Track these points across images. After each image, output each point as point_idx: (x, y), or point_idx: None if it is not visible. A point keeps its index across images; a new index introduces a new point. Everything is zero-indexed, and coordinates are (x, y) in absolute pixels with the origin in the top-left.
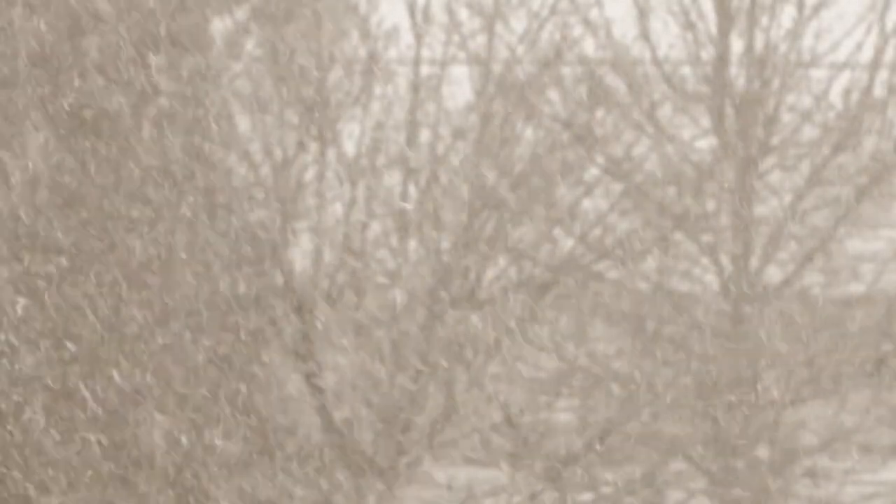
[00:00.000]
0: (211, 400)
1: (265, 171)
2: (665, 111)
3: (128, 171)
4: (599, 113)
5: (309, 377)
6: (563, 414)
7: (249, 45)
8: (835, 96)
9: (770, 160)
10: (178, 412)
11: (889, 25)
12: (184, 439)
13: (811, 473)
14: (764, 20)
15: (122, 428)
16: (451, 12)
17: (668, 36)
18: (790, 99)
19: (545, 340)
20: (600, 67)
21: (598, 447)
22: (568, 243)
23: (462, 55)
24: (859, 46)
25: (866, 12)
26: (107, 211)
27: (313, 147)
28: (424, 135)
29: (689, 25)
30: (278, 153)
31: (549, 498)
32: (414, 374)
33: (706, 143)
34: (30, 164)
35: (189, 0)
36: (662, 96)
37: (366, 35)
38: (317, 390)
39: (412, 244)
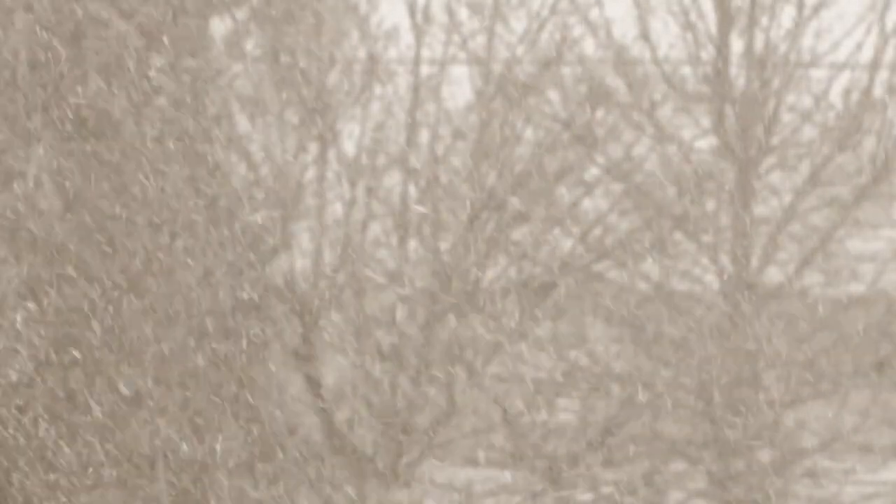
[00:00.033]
0: (212, 403)
1: (265, 171)
2: (665, 111)
3: (129, 175)
4: (599, 113)
5: (309, 379)
6: (564, 414)
7: (249, 45)
8: (835, 96)
9: (770, 160)
10: (179, 414)
11: (889, 25)
12: (184, 446)
13: (811, 473)
14: (764, 20)
15: (125, 431)
16: (451, 12)
17: (668, 36)
18: (790, 99)
19: (545, 341)
20: (600, 67)
21: (598, 447)
22: (568, 243)
23: (462, 55)
24: (859, 46)
25: (866, 12)
26: (108, 214)
27: (313, 147)
28: (424, 135)
29: (689, 25)
30: (278, 154)
31: (550, 498)
32: (414, 375)
33: (706, 143)
34: (33, 169)
35: (189, 1)
36: (662, 96)
37: (366, 35)
38: (317, 392)
39: (412, 244)
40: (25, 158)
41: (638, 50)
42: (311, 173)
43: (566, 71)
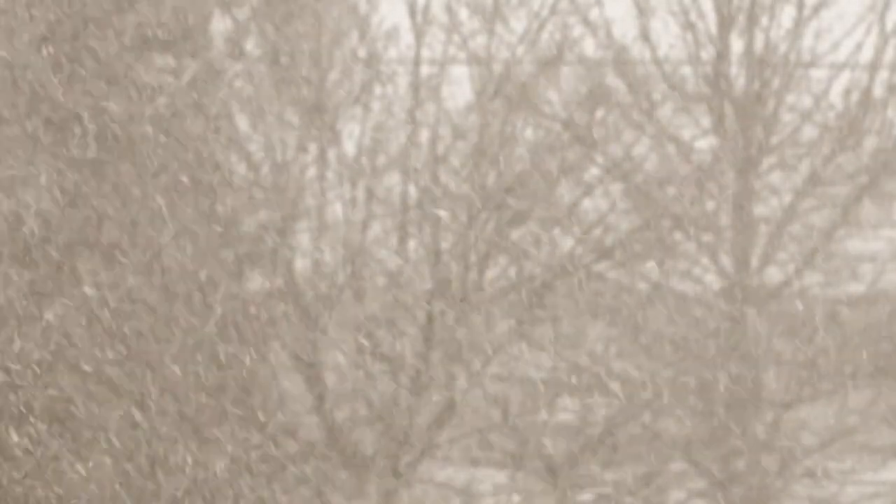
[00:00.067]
0: (212, 404)
1: (265, 171)
2: (665, 111)
3: (130, 176)
4: (599, 113)
5: (309, 378)
6: (564, 414)
7: (249, 45)
8: (835, 96)
9: (770, 160)
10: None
11: (889, 25)
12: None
13: (811, 473)
14: (764, 20)
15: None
16: (451, 12)
17: (668, 36)
18: (790, 99)
19: (545, 341)
20: (600, 67)
21: (598, 448)
22: (568, 243)
23: (462, 55)
24: (859, 46)
25: (866, 12)
26: (109, 214)
27: (313, 147)
28: (424, 135)
29: (689, 25)
30: (279, 154)
31: (550, 498)
32: (414, 375)
33: (706, 143)
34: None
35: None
36: (662, 96)
37: (366, 35)
38: (317, 390)
39: (412, 244)
40: (27, 161)
41: (638, 50)
42: (311, 173)
43: (566, 71)
